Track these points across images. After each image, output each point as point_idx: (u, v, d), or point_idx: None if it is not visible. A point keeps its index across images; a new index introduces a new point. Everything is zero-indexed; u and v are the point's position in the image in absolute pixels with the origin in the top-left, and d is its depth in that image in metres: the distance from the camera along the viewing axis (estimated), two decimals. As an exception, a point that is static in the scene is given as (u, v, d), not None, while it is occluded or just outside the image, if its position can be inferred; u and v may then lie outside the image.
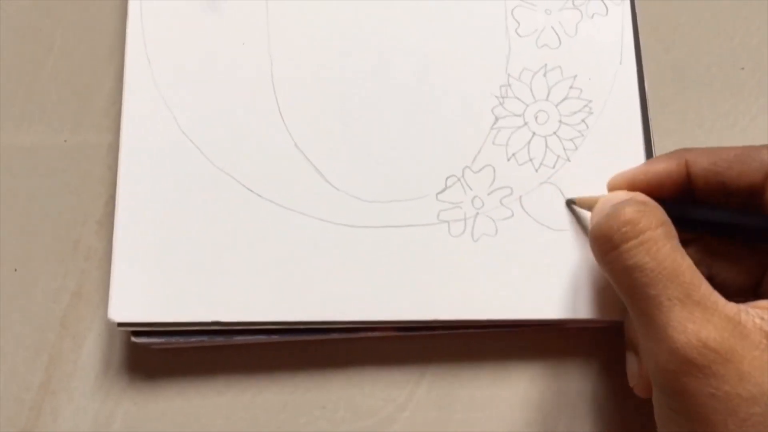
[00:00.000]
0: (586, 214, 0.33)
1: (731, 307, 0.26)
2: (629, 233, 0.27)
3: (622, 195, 0.31)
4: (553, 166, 0.35)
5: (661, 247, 0.27)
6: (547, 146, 0.35)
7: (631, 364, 0.32)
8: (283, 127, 0.35)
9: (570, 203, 0.34)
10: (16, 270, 0.35)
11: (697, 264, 0.28)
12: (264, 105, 0.35)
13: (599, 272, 0.33)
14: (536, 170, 0.35)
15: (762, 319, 0.26)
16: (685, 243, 0.28)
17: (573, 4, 0.37)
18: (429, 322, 0.33)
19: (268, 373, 0.34)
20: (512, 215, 0.34)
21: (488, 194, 0.34)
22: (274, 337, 0.33)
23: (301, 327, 0.32)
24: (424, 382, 0.34)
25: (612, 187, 0.33)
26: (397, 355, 0.34)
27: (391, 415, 0.34)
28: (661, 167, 0.31)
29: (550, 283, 0.33)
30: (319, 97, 0.35)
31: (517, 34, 0.36)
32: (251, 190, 0.34)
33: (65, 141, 0.36)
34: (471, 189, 0.34)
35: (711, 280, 0.31)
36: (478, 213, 0.34)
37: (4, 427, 0.33)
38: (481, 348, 0.35)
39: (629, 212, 0.28)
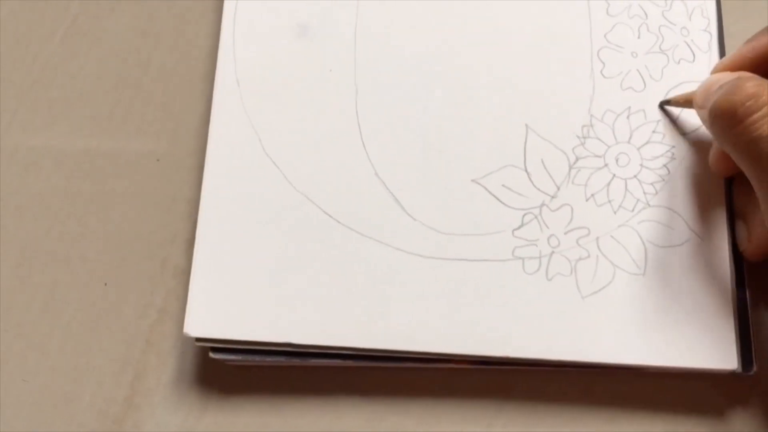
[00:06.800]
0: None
1: None
2: (753, 107, 0.28)
3: (728, 76, 0.31)
4: (632, 209, 0.34)
5: None
6: (626, 189, 0.35)
7: (741, 231, 0.34)
8: (365, 155, 0.35)
9: (664, 104, 0.35)
10: (105, 284, 0.36)
11: None
12: (347, 132, 0.35)
13: (678, 317, 0.33)
14: (615, 212, 0.34)
15: None
16: None
17: (660, 48, 0.37)
18: (499, 358, 0.33)
19: (346, 398, 0.34)
20: (588, 256, 0.34)
21: (565, 233, 0.34)
22: (349, 362, 0.33)
23: (373, 354, 0.33)
24: (501, 418, 0.34)
25: (716, 73, 0.33)
26: (474, 388, 0.34)
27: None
28: (765, 41, 0.32)
29: (625, 327, 0.33)
30: (402, 128, 0.35)
31: (602, 75, 0.36)
32: (330, 215, 0.34)
33: (158, 160, 0.38)
34: (548, 227, 0.34)
35: None
36: (553, 252, 0.34)
37: (87, 438, 0.34)
38: (560, 388, 0.34)
39: (751, 86, 0.28)
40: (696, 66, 0.36)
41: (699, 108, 0.32)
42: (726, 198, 0.35)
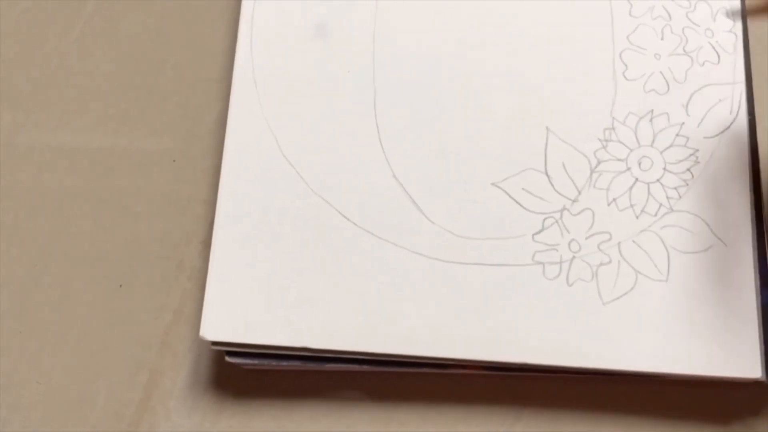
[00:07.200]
0: None
1: None
2: None
3: None
4: (655, 214, 0.34)
5: None
6: (649, 193, 0.34)
7: None
8: (383, 157, 0.35)
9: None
10: (121, 286, 0.36)
11: None
12: (365, 134, 0.35)
13: (701, 324, 0.32)
14: (637, 217, 0.34)
15: None
16: None
17: (684, 50, 0.36)
18: (518, 364, 0.32)
19: (361, 403, 0.34)
20: (610, 261, 0.33)
21: (586, 238, 0.34)
22: (366, 367, 0.33)
23: (389, 359, 0.32)
24: (519, 424, 0.34)
25: None
26: (491, 394, 0.34)
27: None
28: None
29: (647, 334, 0.32)
30: (420, 130, 0.35)
31: (625, 77, 0.36)
32: (347, 218, 0.34)
33: (174, 161, 0.37)
34: (568, 232, 0.34)
35: None
36: (574, 257, 0.33)
37: (101, 441, 0.34)
38: (580, 395, 0.34)
39: None
40: (721, 68, 0.36)
41: None
42: (751, 203, 0.34)
